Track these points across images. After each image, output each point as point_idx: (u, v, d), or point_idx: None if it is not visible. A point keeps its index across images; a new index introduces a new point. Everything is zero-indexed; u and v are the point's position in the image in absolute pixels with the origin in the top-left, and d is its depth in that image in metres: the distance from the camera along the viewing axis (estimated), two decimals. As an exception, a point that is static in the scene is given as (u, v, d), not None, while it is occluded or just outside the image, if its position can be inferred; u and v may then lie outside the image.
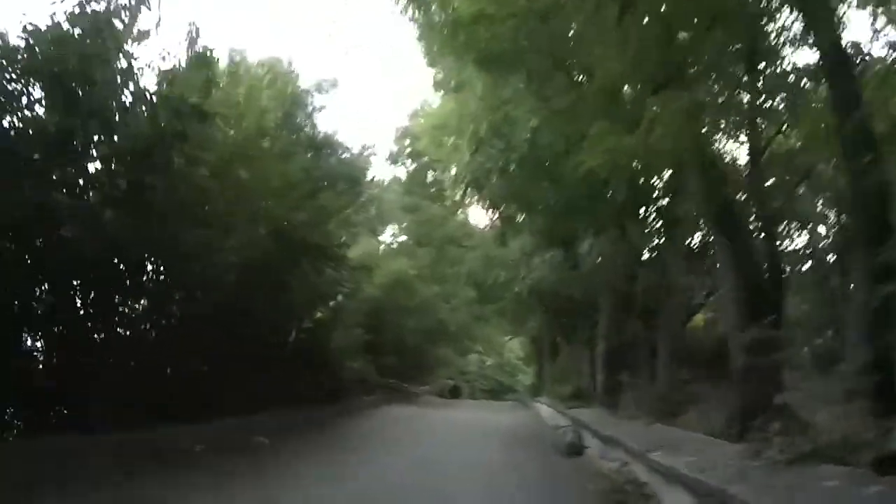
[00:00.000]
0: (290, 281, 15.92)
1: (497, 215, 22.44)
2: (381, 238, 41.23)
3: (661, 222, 15.83)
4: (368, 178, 36.47)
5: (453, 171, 31.20)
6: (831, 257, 16.92)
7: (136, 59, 10.09)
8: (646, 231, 15.95)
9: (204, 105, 10.94)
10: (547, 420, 20.07)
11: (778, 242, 14.53)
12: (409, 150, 39.98)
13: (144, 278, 11.65)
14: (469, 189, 19.17)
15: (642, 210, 15.76)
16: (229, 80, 16.38)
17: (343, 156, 25.53)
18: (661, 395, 12.45)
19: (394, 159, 42.02)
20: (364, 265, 23.89)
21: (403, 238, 43.14)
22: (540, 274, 19.56)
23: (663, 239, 15.69)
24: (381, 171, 56.73)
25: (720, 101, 12.33)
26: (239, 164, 13.42)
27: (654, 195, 15.41)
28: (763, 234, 12.81)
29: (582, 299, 18.84)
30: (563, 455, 11.58)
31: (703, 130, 11.14)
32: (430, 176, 39.21)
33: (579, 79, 13.10)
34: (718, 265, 11.99)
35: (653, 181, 14.58)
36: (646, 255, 16.56)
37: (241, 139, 14.23)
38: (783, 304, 11.97)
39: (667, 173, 13.96)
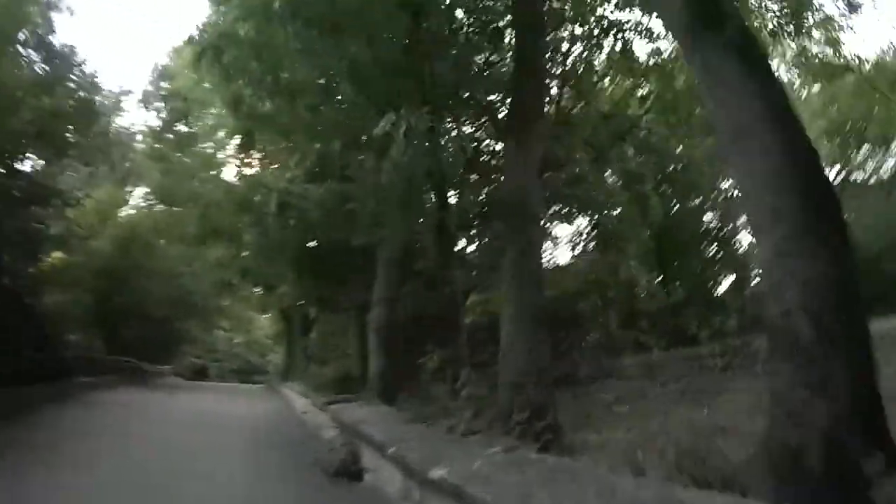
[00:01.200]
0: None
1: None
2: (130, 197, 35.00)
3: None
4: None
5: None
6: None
7: None
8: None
9: None
10: (300, 414, 16.69)
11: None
12: (164, 92, 34.14)
13: None
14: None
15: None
16: None
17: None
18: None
19: (147, 102, 35.70)
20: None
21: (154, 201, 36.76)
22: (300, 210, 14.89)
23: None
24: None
25: None
26: None
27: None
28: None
29: (352, 248, 15.13)
30: (331, 478, 8.12)
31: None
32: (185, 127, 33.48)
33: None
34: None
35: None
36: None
37: None
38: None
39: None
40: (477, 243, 16.89)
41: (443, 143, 11.07)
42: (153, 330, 33.91)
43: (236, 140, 21.54)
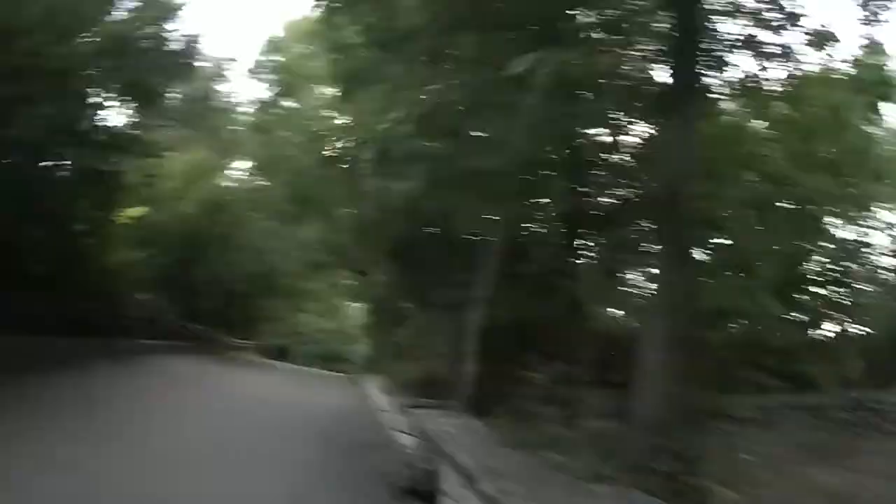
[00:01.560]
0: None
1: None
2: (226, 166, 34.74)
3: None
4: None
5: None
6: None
7: None
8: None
9: None
10: (378, 412, 15.31)
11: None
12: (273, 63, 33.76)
13: None
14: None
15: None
16: None
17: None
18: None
19: (256, 73, 35.28)
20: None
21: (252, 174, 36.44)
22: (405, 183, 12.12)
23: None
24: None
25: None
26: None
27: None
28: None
29: (453, 240, 13.73)
30: (399, 496, 6.58)
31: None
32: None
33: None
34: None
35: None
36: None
37: None
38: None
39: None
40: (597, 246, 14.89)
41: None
42: (234, 303, 33.63)
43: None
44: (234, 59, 47.05)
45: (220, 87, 37.73)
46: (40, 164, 14.52)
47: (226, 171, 29.32)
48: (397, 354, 23.02)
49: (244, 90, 51.21)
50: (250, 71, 35.51)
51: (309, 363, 50.52)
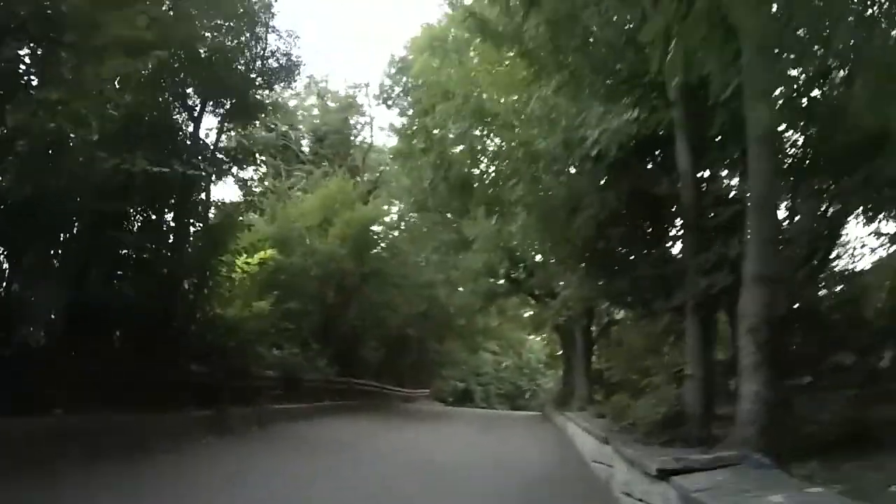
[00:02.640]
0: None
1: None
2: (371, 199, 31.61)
3: None
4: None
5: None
6: None
7: None
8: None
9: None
10: (592, 464, 10.46)
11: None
12: (403, 81, 30.42)
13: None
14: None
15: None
16: None
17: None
18: None
19: (385, 97, 32.18)
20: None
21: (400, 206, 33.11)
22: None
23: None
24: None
25: None
26: None
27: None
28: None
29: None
30: None
31: None
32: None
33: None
34: None
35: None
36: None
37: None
38: None
39: None
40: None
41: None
42: (402, 349, 30.03)
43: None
44: (366, 84, 44.90)
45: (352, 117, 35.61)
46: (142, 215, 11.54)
47: (369, 203, 25.81)
48: (597, 383, 18.17)
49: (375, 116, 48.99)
50: (377, 96, 33.24)
51: (493, 404, 47.46)
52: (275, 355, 14.79)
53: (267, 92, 13.93)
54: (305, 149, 33.00)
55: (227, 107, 12.84)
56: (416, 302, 26.79)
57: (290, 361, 14.97)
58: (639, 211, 10.71)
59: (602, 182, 10.66)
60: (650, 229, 11.20)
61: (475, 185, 23.93)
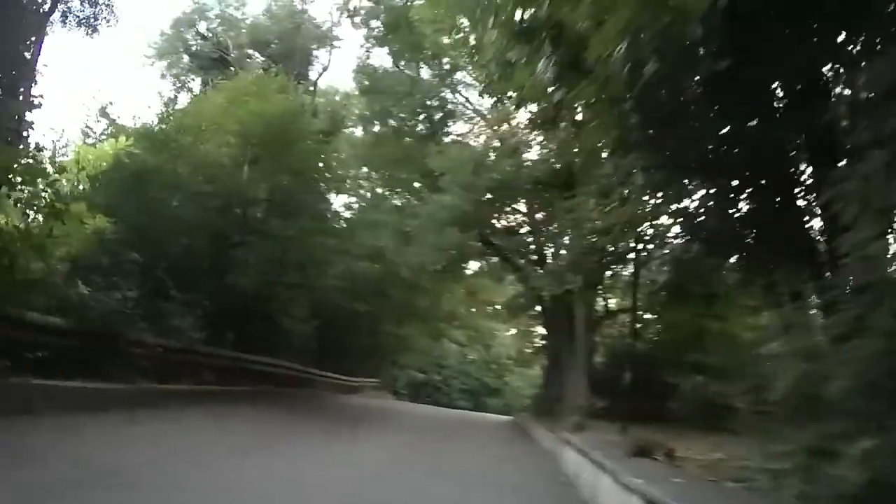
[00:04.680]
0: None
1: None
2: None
3: None
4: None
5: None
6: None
7: None
8: None
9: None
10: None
11: None
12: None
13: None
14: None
15: None
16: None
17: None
18: None
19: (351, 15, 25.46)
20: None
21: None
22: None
23: None
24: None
25: None
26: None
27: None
28: None
29: None
30: None
31: None
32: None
33: None
34: None
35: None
36: None
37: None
38: None
39: None
40: None
41: None
42: (352, 329, 23.38)
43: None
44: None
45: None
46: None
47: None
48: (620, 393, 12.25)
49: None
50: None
51: (454, 400, 41.93)
52: (79, 293, 8.48)
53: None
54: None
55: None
56: (359, 253, 19.55)
57: (101, 308, 8.48)
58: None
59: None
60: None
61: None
